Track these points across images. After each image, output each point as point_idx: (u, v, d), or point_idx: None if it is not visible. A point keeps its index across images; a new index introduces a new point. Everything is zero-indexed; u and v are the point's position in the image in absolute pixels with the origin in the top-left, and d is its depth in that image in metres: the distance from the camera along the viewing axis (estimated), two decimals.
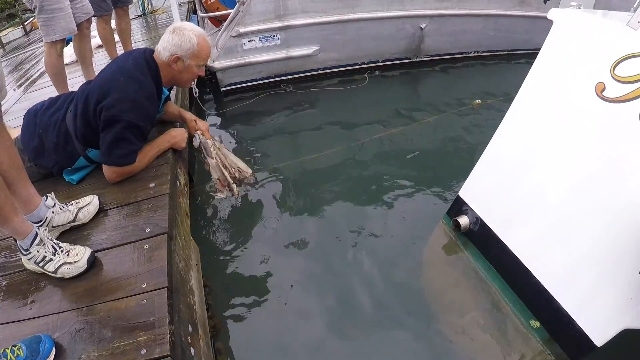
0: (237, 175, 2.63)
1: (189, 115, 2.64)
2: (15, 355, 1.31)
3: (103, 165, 2.15)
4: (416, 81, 5.50)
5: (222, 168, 2.56)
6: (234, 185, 2.59)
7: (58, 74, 3.11)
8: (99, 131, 2.08)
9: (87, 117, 2.09)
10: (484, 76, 5.70)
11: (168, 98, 2.55)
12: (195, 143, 2.55)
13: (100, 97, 2.04)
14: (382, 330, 2.13)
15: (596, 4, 5.78)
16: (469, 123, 4.19)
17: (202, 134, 2.55)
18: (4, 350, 1.32)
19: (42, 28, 2.89)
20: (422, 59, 5.61)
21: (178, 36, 2.14)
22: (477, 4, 5.30)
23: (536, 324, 2.06)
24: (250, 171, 2.70)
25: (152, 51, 2.23)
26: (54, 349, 1.37)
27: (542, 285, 2.00)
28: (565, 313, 1.88)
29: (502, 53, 6.00)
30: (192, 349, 1.56)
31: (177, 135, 2.44)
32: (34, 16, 10.34)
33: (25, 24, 11.86)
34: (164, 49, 2.16)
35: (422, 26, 5.15)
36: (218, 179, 2.58)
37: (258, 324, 2.18)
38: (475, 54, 5.95)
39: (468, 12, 5.30)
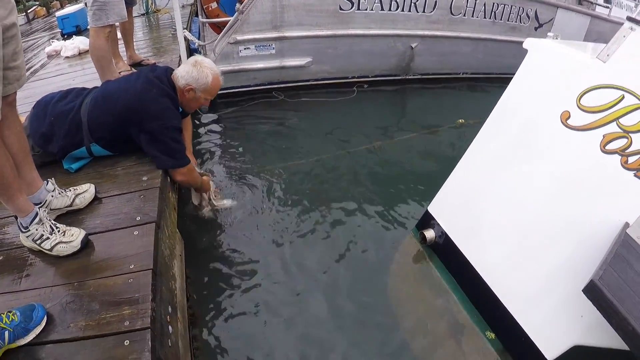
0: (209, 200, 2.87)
1: (190, 149, 2.91)
2: (10, 320, 1.43)
3: (173, 171, 2.41)
4: (403, 98, 5.65)
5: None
6: (206, 209, 2.85)
7: (103, 58, 3.22)
8: (141, 139, 2.32)
9: (111, 113, 2.31)
10: (471, 97, 5.85)
11: (186, 114, 2.76)
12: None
13: (134, 104, 2.28)
14: (347, 331, 2.24)
15: (587, 35, 6.01)
16: (450, 141, 4.38)
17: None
18: (0, 314, 1.45)
19: (95, 12, 3.01)
20: (411, 77, 5.75)
21: (197, 71, 2.40)
22: (469, 27, 5.44)
23: (491, 335, 2.16)
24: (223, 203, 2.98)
25: (172, 72, 2.47)
26: (45, 317, 1.51)
27: (499, 300, 2.11)
28: (519, 327, 1.99)
29: (490, 76, 6.11)
30: (170, 327, 1.71)
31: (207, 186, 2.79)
32: (38, 4, 10.36)
33: (29, 11, 11.52)
34: (181, 77, 2.41)
35: (413, 45, 5.30)
36: (195, 204, 2.83)
37: (234, 317, 2.31)
38: (464, 75, 6.09)
39: (459, 34, 5.44)
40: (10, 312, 1.47)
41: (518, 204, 2.19)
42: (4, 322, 1.43)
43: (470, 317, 2.28)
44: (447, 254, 2.54)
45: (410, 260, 2.72)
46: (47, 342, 1.47)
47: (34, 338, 1.47)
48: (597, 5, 6.28)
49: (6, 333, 1.41)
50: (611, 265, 1.52)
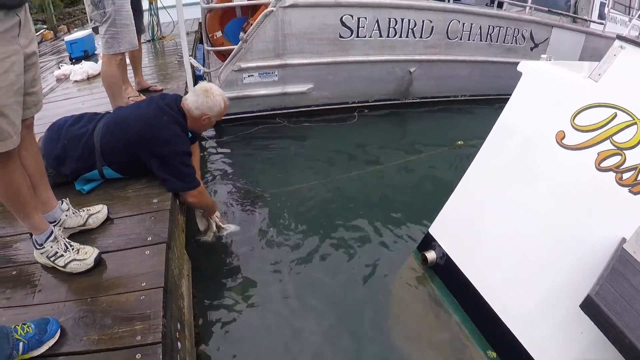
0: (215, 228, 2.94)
1: (198, 174, 2.96)
2: (25, 332, 1.48)
3: (184, 193, 2.50)
4: (403, 121, 5.72)
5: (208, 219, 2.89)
6: (211, 233, 2.92)
7: (114, 84, 3.33)
8: (152, 164, 2.41)
9: (123, 139, 2.40)
10: (469, 119, 5.89)
11: (194, 139, 2.84)
12: None
13: (145, 130, 2.38)
14: (350, 350, 2.27)
15: (583, 52, 6.08)
16: (450, 163, 4.45)
17: None
18: (15, 326, 1.49)
19: (107, 40, 3.14)
20: (410, 101, 5.83)
21: (211, 100, 2.53)
22: (465, 50, 5.52)
23: (493, 354, 2.18)
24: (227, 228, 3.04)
25: (180, 99, 2.58)
26: (59, 330, 1.56)
27: (500, 318, 2.13)
28: (521, 345, 2.00)
29: (488, 97, 6.15)
30: (179, 343, 1.76)
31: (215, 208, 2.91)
32: (46, 27, 10.48)
33: (37, 34, 11.52)
34: (196, 108, 2.52)
35: (411, 70, 5.39)
36: (202, 229, 2.90)
37: (238, 337, 2.34)
38: (462, 98, 6.16)
39: (456, 58, 5.53)
40: (25, 324, 1.51)
41: (517, 223, 2.22)
42: (19, 333, 1.47)
43: (472, 336, 2.30)
44: (448, 275, 2.57)
45: (411, 282, 2.74)
46: (60, 354, 1.51)
47: (47, 350, 1.51)
48: (591, 22, 6.36)
49: (20, 344, 1.45)
50: (607, 280, 1.55)
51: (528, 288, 2.08)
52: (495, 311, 2.17)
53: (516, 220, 2.23)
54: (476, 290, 2.30)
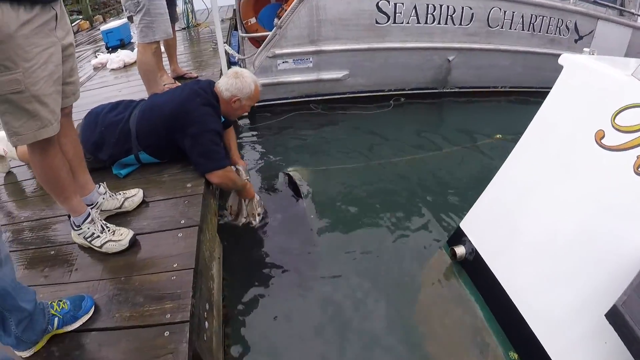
0: (246, 215, 2.95)
1: (237, 154, 3.04)
2: (60, 308, 1.57)
3: (209, 174, 2.48)
4: (440, 111, 5.63)
5: (241, 201, 2.90)
6: (242, 219, 2.93)
7: (150, 72, 3.42)
8: (185, 144, 2.46)
9: (157, 122, 2.47)
10: (509, 112, 5.73)
11: (228, 124, 2.89)
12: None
13: (178, 111, 2.44)
14: (374, 342, 2.28)
15: (629, 48, 5.80)
16: (487, 156, 4.32)
17: (242, 168, 2.90)
18: (51, 302, 1.57)
19: (142, 29, 3.22)
20: (449, 90, 5.70)
21: (240, 81, 2.57)
22: (506, 39, 5.34)
23: (514, 355, 2.13)
24: (257, 221, 3.01)
25: (214, 84, 2.63)
26: (93, 307, 1.65)
27: (525, 321, 2.07)
28: (544, 351, 1.94)
29: (530, 90, 5.93)
30: (206, 323, 1.82)
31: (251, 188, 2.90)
32: (82, 18, 10.79)
33: (73, 25, 11.43)
34: (226, 89, 2.57)
35: (450, 58, 5.27)
36: (231, 205, 2.92)
37: (264, 320, 2.40)
38: (502, 89, 5.95)
39: (496, 47, 5.35)
40: (61, 300, 1.60)
41: (550, 224, 2.13)
42: (54, 309, 1.56)
43: (495, 335, 2.25)
44: (476, 271, 2.52)
45: (440, 275, 2.71)
46: (93, 330, 1.60)
47: (80, 325, 1.60)
48: (639, 17, 6.04)
49: (56, 319, 1.54)
50: (637, 290, 1.48)
51: (556, 292, 2.00)
52: (521, 312, 2.11)
53: (549, 221, 2.14)
54: (503, 289, 2.24)
